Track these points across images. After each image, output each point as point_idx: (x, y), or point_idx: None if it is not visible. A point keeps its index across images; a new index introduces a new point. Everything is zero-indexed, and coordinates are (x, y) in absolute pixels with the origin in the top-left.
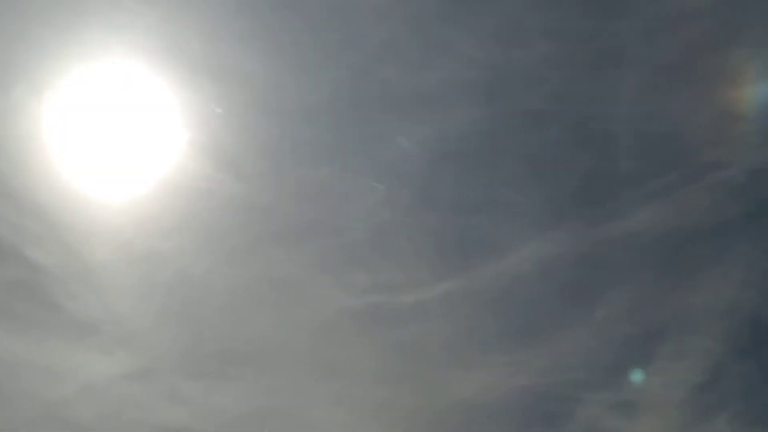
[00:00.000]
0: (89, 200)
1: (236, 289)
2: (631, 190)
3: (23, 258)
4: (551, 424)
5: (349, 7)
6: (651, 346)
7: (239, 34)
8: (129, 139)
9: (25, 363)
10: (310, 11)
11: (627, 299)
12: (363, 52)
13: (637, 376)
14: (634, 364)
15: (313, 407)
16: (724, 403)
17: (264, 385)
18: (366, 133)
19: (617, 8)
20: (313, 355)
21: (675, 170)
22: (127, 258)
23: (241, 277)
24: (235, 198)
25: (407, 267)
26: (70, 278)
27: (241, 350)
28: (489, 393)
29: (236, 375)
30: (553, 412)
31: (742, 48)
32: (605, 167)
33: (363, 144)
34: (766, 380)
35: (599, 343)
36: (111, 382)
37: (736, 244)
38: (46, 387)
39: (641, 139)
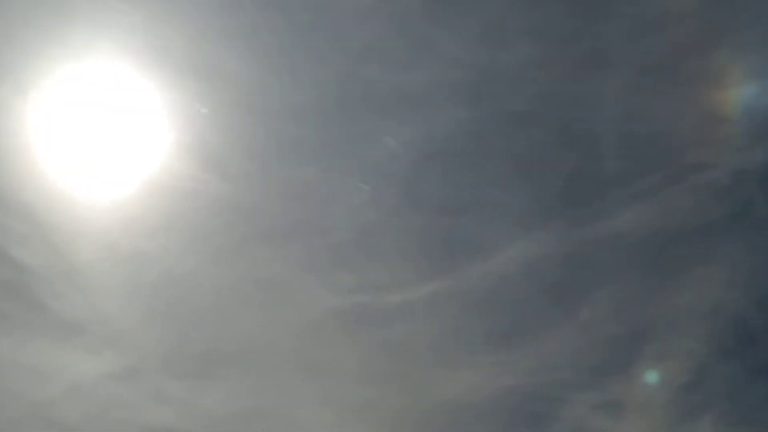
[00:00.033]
0: (75, 200)
1: (222, 289)
2: (616, 191)
3: (9, 258)
4: (537, 424)
5: (334, 7)
6: (636, 346)
7: (225, 33)
8: (115, 139)
9: (11, 363)
10: (295, 11)
11: (612, 299)
12: (348, 53)
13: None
14: (619, 365)
15: (299, 407)
16: (709, 403)
17: (250, 385)
18: (352, 134)
19: (602, 9)
20: (298, 355)
21: (660, 171)
22: (112, 258)
23: (226, 277)
24: (221, 198)
25: (393, 267)
26: (56, 278)
27: (226, 350)
28: (475, 393)
29: (222, 375)
30: (539, 413)
31: (727, 50)
32: (590, 168)
33: (348, 144)
34: (751, 381)
35: (585, 343)
36: (97, 382)
37: (721, 245)
38: (31, 387)
39: (626, 140)
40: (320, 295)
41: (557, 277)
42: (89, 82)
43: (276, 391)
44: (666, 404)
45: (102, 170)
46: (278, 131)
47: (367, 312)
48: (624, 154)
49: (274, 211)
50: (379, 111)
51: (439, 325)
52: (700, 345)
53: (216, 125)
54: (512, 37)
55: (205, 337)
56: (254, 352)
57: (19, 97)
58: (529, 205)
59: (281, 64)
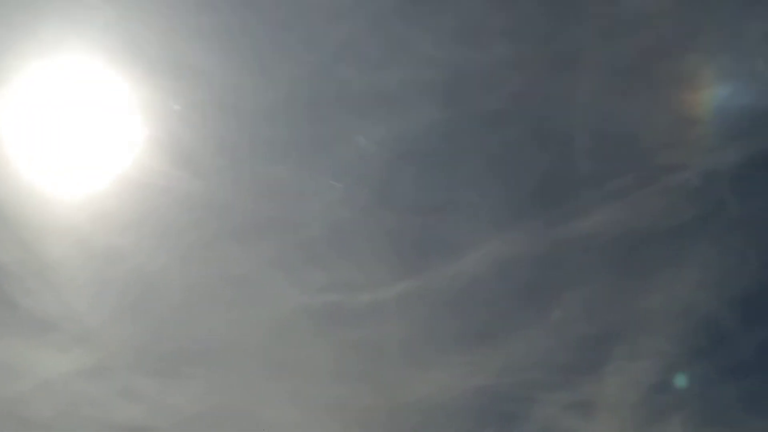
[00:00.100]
0: (46, 197)
1: (193, 287)
2: (588, 192)
3: None
4: (508, 424)
5: (308, 6)
6: (607, 346)
7: (198, 31)
8: (86, 136)
9: None
10: (269, 9)
11: (584, 300)
12: (322, 51)
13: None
14: (590, 365)
15: (268, 406)
16: (679, 404)
17: (220, 383)
18: (325, 132)
19: (576, 10)
20: (269, 353)
21: (632, 172)
22: (83, 255)
23: (197, 275)
24: (193, 195)
25: (364, 266)
26: (27, 275)
27: (197, 348)
28: (446, 393)
29: (192, 373)
30: (510, 412)
31: (700, 51)
32: (563, 168)
33: (321, 142)
34: (721, 382)
35: (556, 343)
36: (67, 379)
37: (693, 246)
38: (1, 384)
39: (599, 140)
40: (291, 294)
41: (529, 277)
42: (62, 79)
43: (246, 389)
44: (636, 404)
45: (74, 167)
46: (251, 129)
47: (338, 311)
48: (596, 154)
49: (246, 208)
50: (353, 109)
51: (410, 324)
52: (671, 345)
53: (189, 122)
54: (487, 36)
55: (175, 334)
56: (225, 350)
57: None
58: (501, 205)
59: (255, 61)
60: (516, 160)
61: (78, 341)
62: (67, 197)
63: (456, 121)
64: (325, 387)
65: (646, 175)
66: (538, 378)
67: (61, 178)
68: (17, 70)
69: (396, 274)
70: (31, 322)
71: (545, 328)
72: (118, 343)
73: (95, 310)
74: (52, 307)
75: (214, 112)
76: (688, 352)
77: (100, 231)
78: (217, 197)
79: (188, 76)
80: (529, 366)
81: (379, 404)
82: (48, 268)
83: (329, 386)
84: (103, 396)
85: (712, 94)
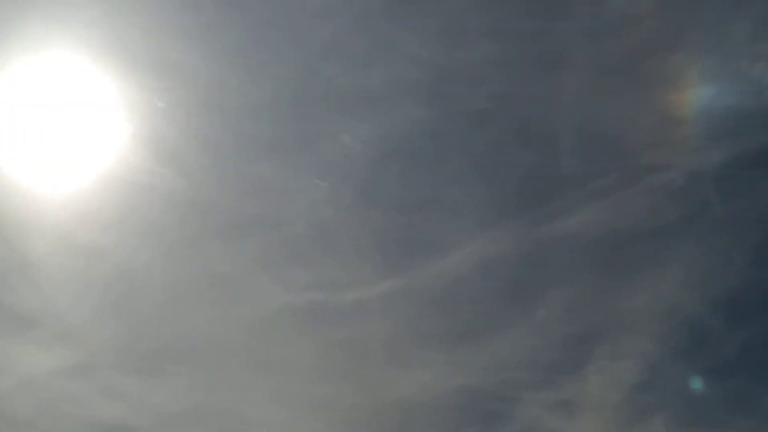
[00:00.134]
0: (29, 194)
1: (176, 285)
2: (572, 191)
3: None
4: (491, 423)
5: (293, 4)
6: (590, 346)
7: (182, 28)
8: (70, 133)
9: None
10: (254, 7)
11: (567, 299)
12: (307, 49)
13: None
14: (573, 364)
15: (252, 405)
16: (662, 404)
17: (202, 381)
18: (309, 130)
19: (561, 10)
20: (252, 352)
21: (616, 172)
22: (66, 252)
23: (181, 273)
24: (177, 193)
25: (348, 265)
26: (9, 272)
27: (180, 346)
28: (429, 392)
29: (175, 371)
30: (493, 411)
31: (684, 51)
32: (547, 168)
33: (306, 141)
34: (703, 382)
35: (539, 342)
36: (49, 377)
37: (676, 246)
38: None
39: (583, 140)
40: (275, 292)
41: (513, 276)
42: (46, 76)
43: (229, 388)
44: (619, 404)
45: (57, 164)
46: (235, 127)
47: (322, 309)
48: (580, 154)
49: (230, 206)
50: (338, 108)
51: (394, 323)
52: (654, 345)
53: (173, 120)
54: (471, 36)
55: (158, 332)
56: (208, 349)
57: None
58: (485, 204)
59: (239, 59)
60: (500, 159)
61: (60, 339)
62: (50, 194)
63: (441, 120)
64: (309, 385)
65: (630, 174)
66: (521, 377)
67: (44, 176)
68: (1, 67)
69: (380, 272)
70: (13, 319)
71: (529, 328)
72: (100, 341)
73: (78, 307)
74: (34, 305)
75: (199, 110)
76: (672, 352)
77: (84, 228)
78: (202, 195)
79: (173, 74)
80: (513, 365)
81: (363, 403)
82: (31, 266)
83: (313, 385)
84: (85, 394)
85: (697, 95)
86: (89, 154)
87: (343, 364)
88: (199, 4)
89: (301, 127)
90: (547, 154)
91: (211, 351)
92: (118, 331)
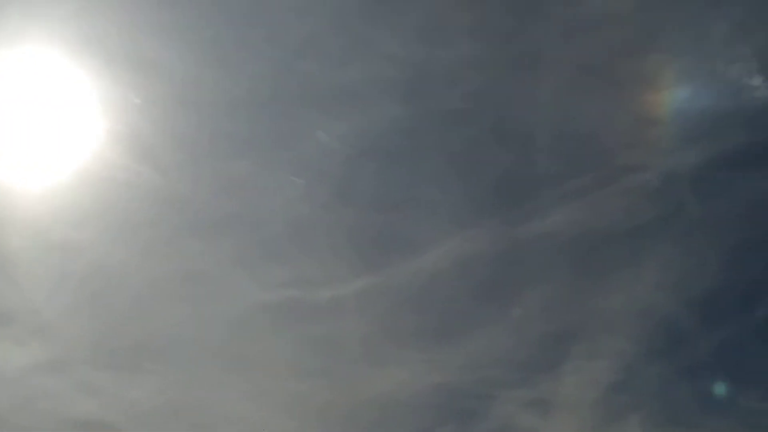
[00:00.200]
0: (5, 189)
1: (152, 282)
2: (548, 191)
3: None
4: (466, 421)
5: (271, 1)
6: (565, 345)
7: (159, 25)
8: (46, 129)
9: None
10: (231, 5)
11: (543, 299)
12: (284, 47)
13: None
14: (549, 363)
15: (226, 402)
16: (637, 403)
17: (178, 378)
18: (286, 128)
19: (538, 10)
20: (228, 349)
21: (592, 172)
22: (42, 248)
23: (156, 270)
24: (153, 190)
25: (324, 262)
26: None
27: (155, 343)
28: (405, 389)
29: (150, 368)
30: (468, 409)
31: (660, 52)
32: (523, 168)
33: (282, 138)
34: (678, 381)
35: (515, 341)
36: (24, 372)
37: (651, 246)
38: None
39: (559, 140)
40: (250, 289)
41: (488, 275)
42: (22, 71)
43: (204, 384)
44: (595, 403)
45: (33, 160)
46: (212, 124)
47: (298, 307)
48: (557, 154)
49: (206, 203)
50: (314, 106)
51: (369, 321)
52: (629, 345)
53: (149, 116)
54: (448, 35)
55: (133, 329)
56: (183, 346)
57: None
58: (461, 203)
59: (216, 56)
60: (477, 158)
61: (35, 335)
62: (25, 190)
63: (418, 119)
64: (285, 383)
65: (606, 175)
66: (497, 375)
67: (19, 171)
68: None
69: (356, 270)
70: None
71: (505, 327)
72: (76, 337)
73: (53, 303)
74: (9, 300)
75: (175, 107)
76: (647, 352)
77: (59, 225)
78: (178, 192)
79: (149, 70)
80: (489, 363)
81: (339, 400)
82: (6, 261)
83: (289, 382)
84: (60, 390)
85: (673, 96)
86: (65, 150)
87: (319, 362)
88: (176, 1)
89: (278, 124)
90: (524, 154)
91: (187, 348)
92: (93, 327)
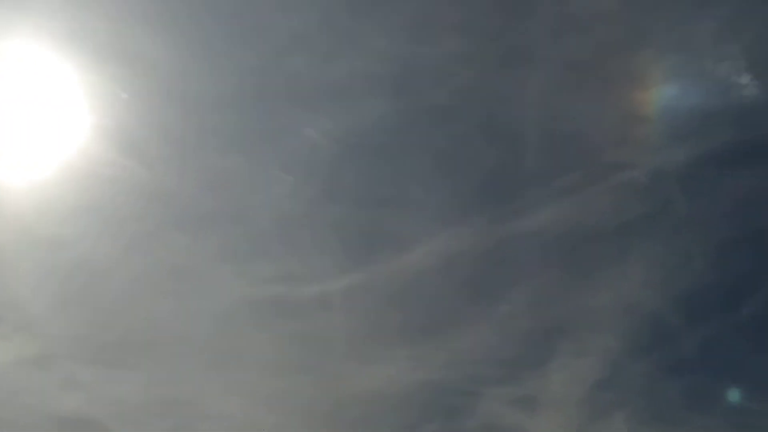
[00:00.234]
0: None
1: (137, 277)
2: (535, 189)
3: None
4: (452, 418)
5: None
6: (552, 343)
7: (147, 19)
8: (32, 124)
9: None
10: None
11: (529, 296)
12: (272, 42)
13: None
14: (535, 361)
15: (212, 397)
16: (623, 400)
17: (163, 374)
18: (273, 123)
19: (526, 7)
20: (213, 344)
21: (579, 170)
22: (27, 243)
23: (142, 265)
24: (139, 184)
25: (311, 259)
26: None
27: (140, 339)
28: (390, 386)
29: (135, 363)
30: (454, 407)
31: (649, 50)
32: (511, 165)
33: (270, 134)
34: (664, 379)
35: (501, 339)
36: (8, 367)
37: (638, 244)
38: None
39: (547, 137)
40: (237, 285)
41: (475, 272)
42: (7, 65)
43: (189, 380)
44: (580, 401)
45: (19, 154)
46: (199, 118)
47: (283, 303)
48: (544, 151)
49: (193, 198)
50: (302, 102)
51: (355, 317)
52: (615, 342)
53: (136, 111)
54: (436, 31)
55: (118, 324)
56: (168, 341)
57: None
58: (448, 200)
59: (204, 51)
60: (464, 155)
61: (20, 330)
62: (10, 185)
63: (405, 116)
64: (271, 379)
65: (593, 172)
66: (483, 372)
67: (4, 166)
68: None
69: (342, 267)
70: None
71: (491, 324)
72: (60, 332)
73: (38, 298)
74: None
75: (163, 102)
76: (634, 349)
77: (45, 219)
78: (164, 187)
79: (137, 65)
80: (475, 360)
81: (324, 396)
82: None
83: (274, 378)
84: (44, 385)
85: (661, 93)
86: (51, 144)
87: (305, 358)
88: None
89: (265, 120)
90: (512, 151)
91: (173, 343)
92: (78, 322)
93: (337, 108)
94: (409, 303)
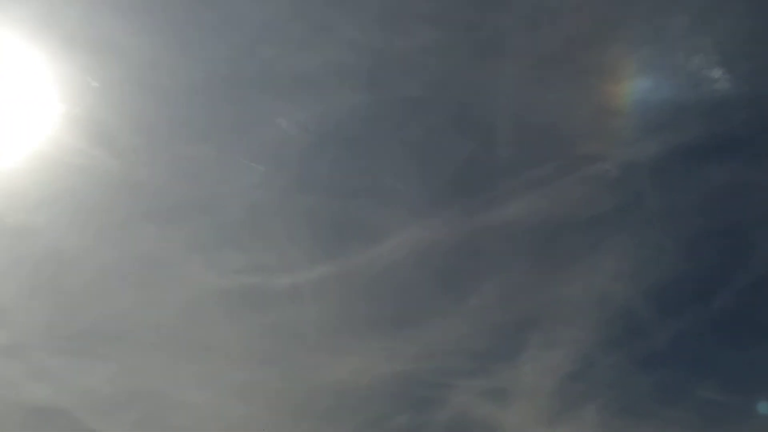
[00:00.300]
0: None
1: (107, 267)
2: (507, 180)
3: None
4: (423, 410)
5: None
6: (523, 334)
7: (119, 6)
8: (1, 111)
9: None
10: None
11: (501, 288)
12: (244, 32)
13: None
14: (506, 353)
15: (181, 388)
16: (594, 392)
17: (132, 364)
18: (244, 113)
19: None
20: (183, 335)
21: (551, 162)
22: None
23: (112, 255)
24: (109, 173)
25: (282, 249)
26: None
27: (110, 329)
28: (361, 378)
29: (105, 354)
30: (425, 398)
31: (621, 43)
32: (483, 156)
33: (241, 124)
34: (635, 371)
35: (473, 330)
36: None
37: (610, 236)
38: None
39: (519, 129)
40: (207, 276)
41: (447, 264)
42: None
43: (159, 371)
44: (551, 392)
45: None
46: (170, 108)
47: (254, 293)
48: (516, 143)
49: (163, 188)
50: (274, 92)
51: (327, 308)
52: (587, 334)
53: (106, 99)
54: (410, 22)
55: (88, 314)
56: (138, 332)
57: None
58: (420, 191)
59: (176, 39)
60: (436, 146)
61: None
62: None
63: (377, 106)
64: (240, 370)
65: (565, 165)
66: (454, 364)
67: None
68: None
69: (313, 257)
70: None
71: (463, 315)
72: (30, 322)
73: (7, 288)
74: None
75: (133, 90)
76: (604, 341)
77: (13, 208)
78: (134, 176)
79: (107, 53)
80: (446, 352)
81: (294, 388)
82: None
83: (244, 369)
84: (13, 375)
85: (633, 87)
86: (21, 133)
87: (276, 349)
88: None
89: (237, 110)
90: (484, 143)
91: (143, 334)
92: (48, 312)
93: (309, 98)
94: (380, 294)
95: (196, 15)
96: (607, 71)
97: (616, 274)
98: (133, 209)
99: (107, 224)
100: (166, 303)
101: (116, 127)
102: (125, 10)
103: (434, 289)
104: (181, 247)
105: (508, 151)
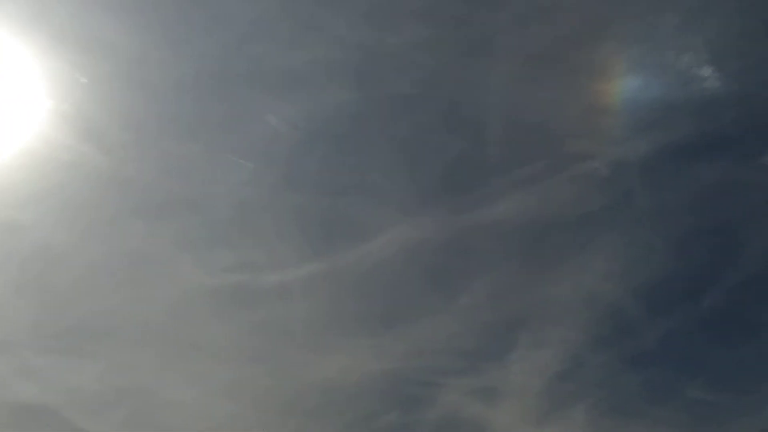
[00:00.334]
0: None
1: (95, 264)
2: (497, 179)
3: None
4: (411, 408)
5: None
6: (513, 333)
7: (106, 3)
8: None
9: None
10: None
11: (490, 286)
12: (233, 29)
13: None
14: (495, 351)
15: (169, 386)
16: (583, 391)
17: (121, 362)
18: (234, 110)
19: None
20: (171, 333)
21: (541, 160)
22: None
23: (100, 252)
24: (97, 170)
25: (271, 247)
26: None
27: (98, 326)
28: (349, 375)
29: (92, 352)
30: (414, 397)
31: (611, 42)
32: (472, 155)
33: (230, 121)
34: (624, 370)
35: (462, 329)
36: None
37: (599, 235)
38: None
39: (509, 128)
40: (196, 273)
41: (436, 262)
42: None
43: (147, 369)
44: (540, 392)
45: None
46: (159, 105)
47: (243, 291)
48: (506, 142)
49: (152, 185)
50: (263, 88)
51: (315, 306)
52: (576, 334)
53: (95, 96)
54: (399, 19)
55: (76, 312)
56: (126, 329)
57: None
58: (409, 189)
59: (165, 36)
60: (426, 144)
61: None
62: None
63: (367, 104)
64: (228, 368)
65: (555, 163)
66: (443, 363)
67: None
68: None
69: (302, 255)
70: None
71: (452, 314)
72: (17, 319)
73: None
74: None
75: (122, 87)
76: (593, 341)
77: (1, 204)
78: (123, 173)
79: (96, 50)
80: (435, 351)
81: (283, 385)
82: None
83: (233, 367)
84: (0, 373)
85: (623, 86)
86: (9, 129)
87: (264, 347)
88: None
89: (226, 106)
90: (473, 141)
91: (131, 331)
92: (35, 309)
93: (298, 95)
94: (369, 292)
95: (185, 12)
96: (597, 70)
97: (605, 273)
98: (122, 206)
99: (95, 221)
100: (155, 300)
101: (105, 123)
102: (114, 6)
103: (423, 288)
104: (169, 244)
105: (498, 150)
